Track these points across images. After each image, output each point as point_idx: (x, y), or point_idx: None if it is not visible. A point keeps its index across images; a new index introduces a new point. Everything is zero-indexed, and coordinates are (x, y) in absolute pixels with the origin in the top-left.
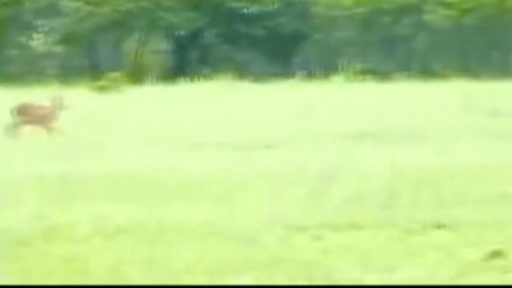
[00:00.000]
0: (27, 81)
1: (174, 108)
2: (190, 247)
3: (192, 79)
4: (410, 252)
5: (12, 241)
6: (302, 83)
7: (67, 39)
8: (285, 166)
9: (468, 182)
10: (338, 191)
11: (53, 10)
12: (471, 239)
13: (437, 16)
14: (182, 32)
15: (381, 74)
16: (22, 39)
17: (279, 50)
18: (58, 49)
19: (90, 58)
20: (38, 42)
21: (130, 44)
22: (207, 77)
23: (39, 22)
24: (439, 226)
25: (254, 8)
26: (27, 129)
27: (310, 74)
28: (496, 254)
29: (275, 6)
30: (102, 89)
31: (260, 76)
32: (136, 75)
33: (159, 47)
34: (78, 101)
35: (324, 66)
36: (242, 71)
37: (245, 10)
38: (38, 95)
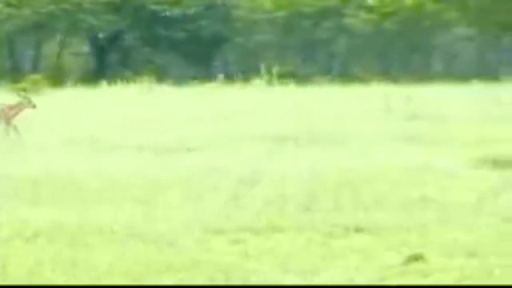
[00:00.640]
0: None
1: (94, 110)
2: (111, 249)
3: (112, 82)
4: (331, 255)
5: None
6: (222, 86)
7: None
8: (206, 169)
9: (388, 185)
10: (259, 194)
11: None
12: (391, 242)
13: (357, 20)
14: (102, 35)
15: (301, 77)
16: None
17: (199, 53)
18: None
19: (11, 60)
20: None
21: (51, 46)
22: (127, 80)
23: None
24: (359, 230)
25: (175, 11)
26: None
27: (230, 77)
28: (416, 258)
29: (196, 9)
30: (22, 91)
31: (180, 79)
32: (57, 78)
33: (80, 50)
34: None
35: (244, 69)
36: (162, 74)
37: (166, 13)
38: None
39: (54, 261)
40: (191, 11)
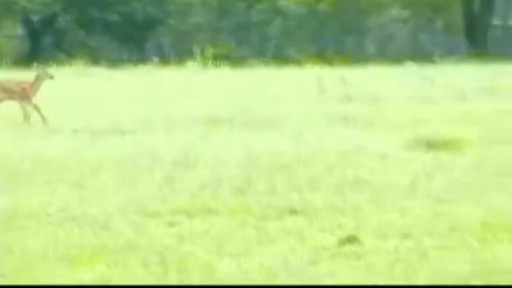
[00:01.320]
0: None
1: None
2: (45, 233)
3: (46, 65)
4: (265, 238)
5: None
6: (156, 68)
7: None
8: (140, 152)
9: (323, 168)
10: (193, 177)
11: None
12: (326, 225)
13: (291, 1)
14: (36, 17)
15: (236, 60)
16: None
17: (134, 36)
18: None
19: None
20: None
21: None
22: (61, 62)
23: None
24: (293, 212)
25: None
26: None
27: (164, 60)
28: (350, 239)
29: None
30: None
31: (115, 61)
32: None
33: (13, 32)
34: None
35: (179, 52)
36: (96, 57)
37: None
38: None
39: None
40: None
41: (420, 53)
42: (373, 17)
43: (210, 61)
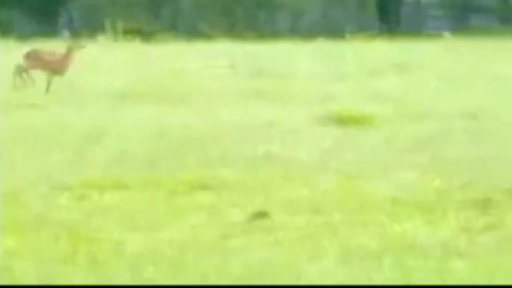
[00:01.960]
0: None
1: None
2: None
3: None
4: (175, 212)
5: None
6: (67, 42)
7: None
8: (50, 125)
9: (233, 142)
10: (103, 151)
11: None
12: (236, 200)
13: None
14: None
15: (147, 34)
16: None
17: (44, 9)
18: None
19: None
20: None
21: None
22: None
23: None
24: (204, 187)
25: None
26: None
27: (76, 34)
28: (260, 215)
29: None
30: None
31: (25, 35)
32: None
33: None
34: None
35: (90, 26)
36: (7, 30)
37: None
38: None
39: None
40: None
41: (331, 29)
42: None
43: (121, 35)
